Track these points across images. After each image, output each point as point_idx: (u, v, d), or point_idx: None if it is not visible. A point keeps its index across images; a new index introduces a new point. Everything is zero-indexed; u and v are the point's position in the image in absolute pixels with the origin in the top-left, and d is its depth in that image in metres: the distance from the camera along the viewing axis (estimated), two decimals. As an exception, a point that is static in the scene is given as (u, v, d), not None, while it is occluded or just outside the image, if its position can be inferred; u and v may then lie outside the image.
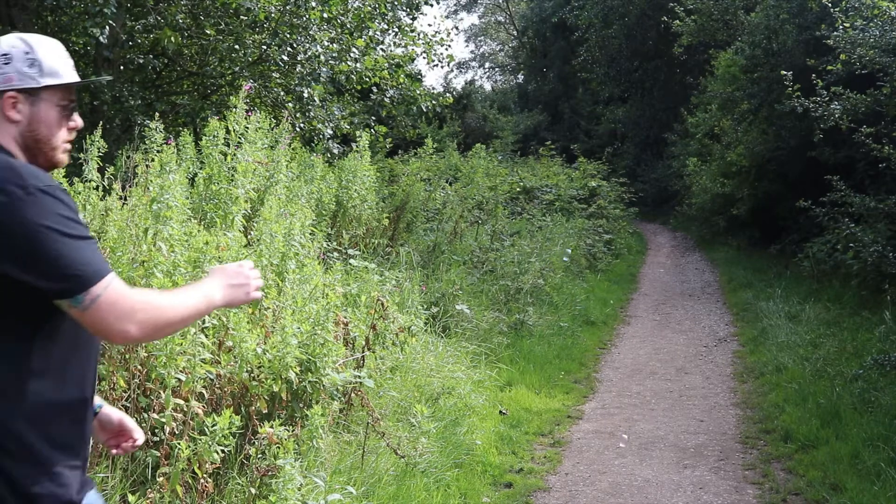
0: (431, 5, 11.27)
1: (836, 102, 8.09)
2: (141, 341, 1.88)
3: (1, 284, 1.53)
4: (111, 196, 3.90)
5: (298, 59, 8.31)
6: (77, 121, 1.82)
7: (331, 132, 8.90)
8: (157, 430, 3.05)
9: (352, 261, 6.27)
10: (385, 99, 10.29)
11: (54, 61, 1.76)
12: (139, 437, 1.94)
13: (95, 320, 1.58)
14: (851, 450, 4.61)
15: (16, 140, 1.73)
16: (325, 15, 8.44)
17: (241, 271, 1.87)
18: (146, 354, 3.14)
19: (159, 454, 3.00)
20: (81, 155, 4.21)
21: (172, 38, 7.46)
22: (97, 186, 4.04)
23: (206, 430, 2.89)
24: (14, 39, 1.74)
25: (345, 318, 4.47)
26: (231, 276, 1.85)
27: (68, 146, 1.83)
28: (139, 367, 3.13)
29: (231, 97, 6.13)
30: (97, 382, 2.03)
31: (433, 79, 77.91)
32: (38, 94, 1.75)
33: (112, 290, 1.59)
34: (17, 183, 1.57)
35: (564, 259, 10.77)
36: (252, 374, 3.51)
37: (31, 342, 1.60)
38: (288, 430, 3.10)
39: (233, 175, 4.67)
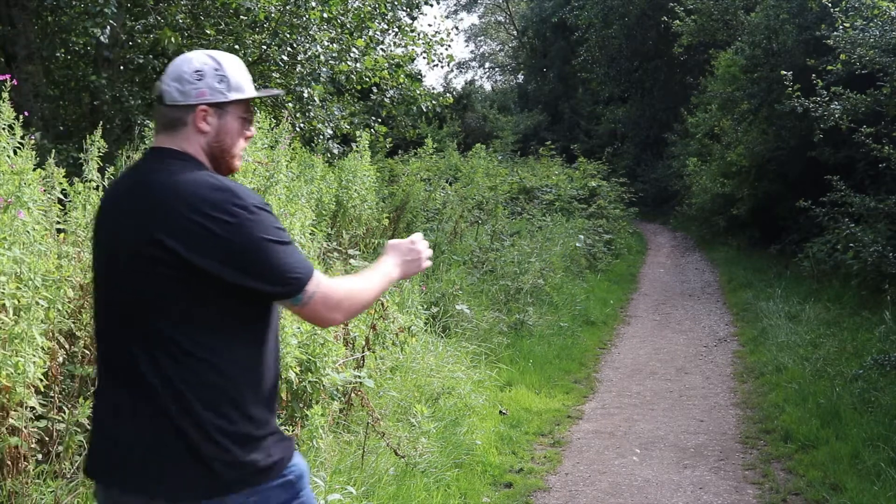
0: (431, 5, 11.28)
1: (836, 102, 8.09)
2: (342, 323, 2.27)
3: (228, 289, 1.74)
4: (111, 196, 3.89)
5: (298, 59, 8.32)
6: (252, 131, 2.03)
7: (331, 132, 8.90)
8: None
9: (352, 261, 6.28)
10: (385, 99, 10.29)
11: (240, 77, 1.94)
12: None
13: (311, 313, 1.85)
14: (851, 450, 4.61)
15: (203, 149, 1.90)
16: (325, 15, 8.45)
17: (413, 247, 2.11)
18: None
19: (159, 454, 2.99)
20: (81, 155, 4.21)
21: (172, 38, 7.46)
22: (97, 186, 4.04)
23: (207, 430, 2.88)
24: (204, 57, 1.90)
25: (345, 318, 4.47)
26: (404, 252, 2.11)
27: (242, 153, 2.05)
28: (139, 367, 3.13)
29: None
30: None
31: (433, 79, 77.96)
32: (225, 108, 1.92)
33: (322, 286, 1.85)
34: (240, 204, 1.75)
35: (578, 244, 10.84)
36: (252, 374, 3.51)
37: (244, 334, 1.81)
38: (288, 430, 3.10)
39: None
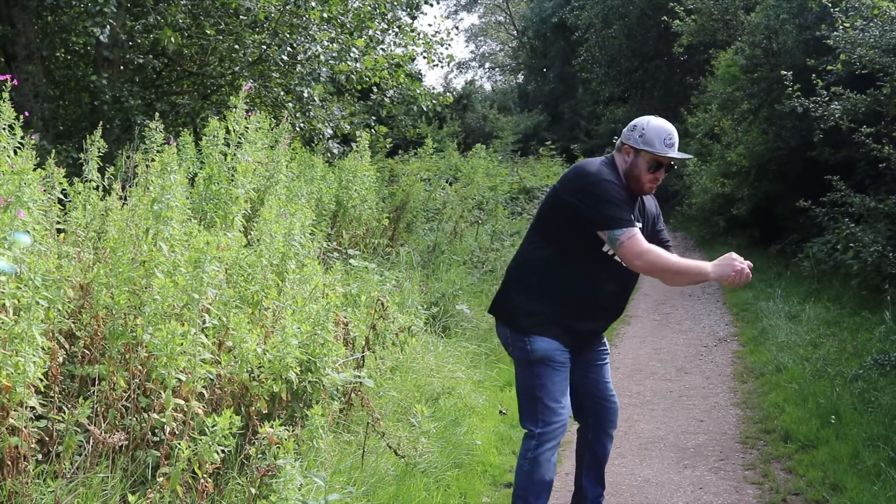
0: (431, 5, 11.28)
1: (836, 102, 8.09)
2: (644, 272, 3.17)
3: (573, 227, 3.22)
4: (111, 196, 3.90)
5: (298, 59, 8.32)
6: (659, 175, 3.25)
7: (331, 132, 8.90)
8: (157, 431, 3.05)
9: (352, 261, 6.28)
10: (385, 99, 10.30)
11: (653, 139, 3.20)
12: None
13: (623, 254, 3.13)
14: (851, 450, 4.61)
15: (622, 170, 3.27)
16: (325, 15, 8.45)
17: (729, 257, 3.07)
18: (146, 354, 3.14)
19: (159, 454, 3.00)
20: (81, 155, 4.21)
21: (172, 38, 7.46)
22: (97, 186, 4.04)
23: (207, 430, 2.89)
24: (643, 119, 3.29)
25: (345, 318, 4.47)
26: (722, 259, 3.08)
27: (653, 186, 3.28)
28: (139, 367, 3.14)
29: (231, 97, 6.13)
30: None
31: (433, 79, 77.90)
32: (638, 153, 3.23)
33: (633, 238, 3.09)
34: (582, 174, 3.24)
35: None
36: (252, 375, 3.51)
37: (565, 254, 3.29)
38: (288, 430, 3.10)
39: (233, 175, 4.67)
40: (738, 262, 2.96)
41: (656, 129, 3.19)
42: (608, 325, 3.53)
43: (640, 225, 3.26)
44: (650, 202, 3.46)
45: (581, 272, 3.28)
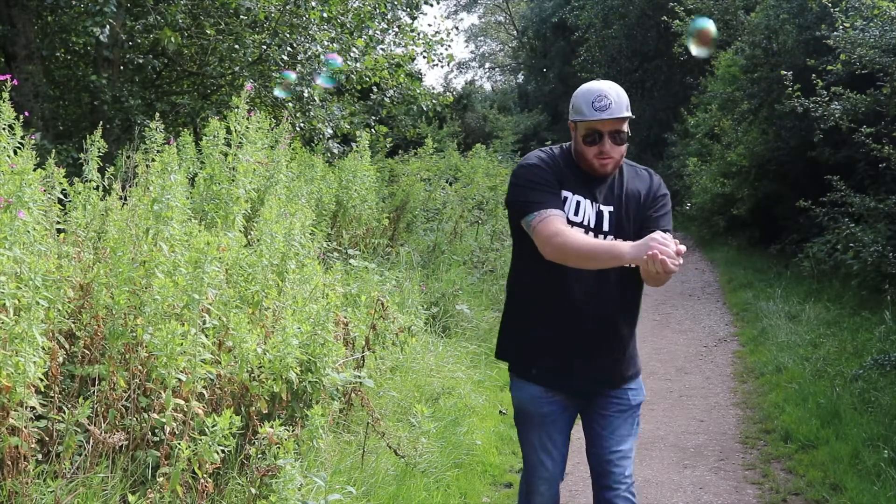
0: (431, 5, 11.28)
1: (836, 102, 8.08)
2: (557, 260, 2.62)
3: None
4: (111, 196, 3.90)
5: (298, 58, 8.31)
6: (604, 148, 2.68)
7: (331, 132, 8.90)
8: (157, 430, 3.05)
9: (352, 261, 6.28)
10: (385, 99, 10.29)
11: (580, 104, 2.69)
12: None
13: (536, 242, 2.64)
14: (851, 450, 4.61)
15: (573, 148, 2.78)
16: (325, 15, 8.45)
17: (649, 238, 2.39)
18: (146, 354, 3.14)
19: (159, 454, 3.00)
20: (81, 155, 4.21)
21: (172, 38, 7.46)
22: (97, 186, 4.04)
23: (207, 430, 2.89)
24: (582, 87, 2.74)
25: (345, 318, 4.47)
26: (643, 240, 2.42)
27: (604, 161, 2.70)
28: (139, 367, 3.14)
29: (231, 97, 6.13)
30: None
31: (433, 79, 77.83)
32: (577, 126, 2.72)
33: (544, 220, 2.61)
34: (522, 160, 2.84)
35: None
36: (252, 375, 3.51)
37: (521, 263, 2.87)
38: (288, 431, 3.10)
39: (233, 175, 4.67)
40: (657, 243, 2.35)
41: (584, 92, 2.69)
42: (605, 355, 2.80)
43: (594, 210, 2.71)
44: (638, 188, 2.80)
45: (540, 282, 2.76)
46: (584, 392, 2.84)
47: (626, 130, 2.70)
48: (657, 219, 2.76)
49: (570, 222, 2.67)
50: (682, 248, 2.36)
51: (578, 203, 2.71)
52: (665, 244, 2.34)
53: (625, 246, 2.47)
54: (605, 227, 2.72)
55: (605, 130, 2.66)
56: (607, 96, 2.64)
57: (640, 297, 2.87)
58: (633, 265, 2.52)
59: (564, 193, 2.71)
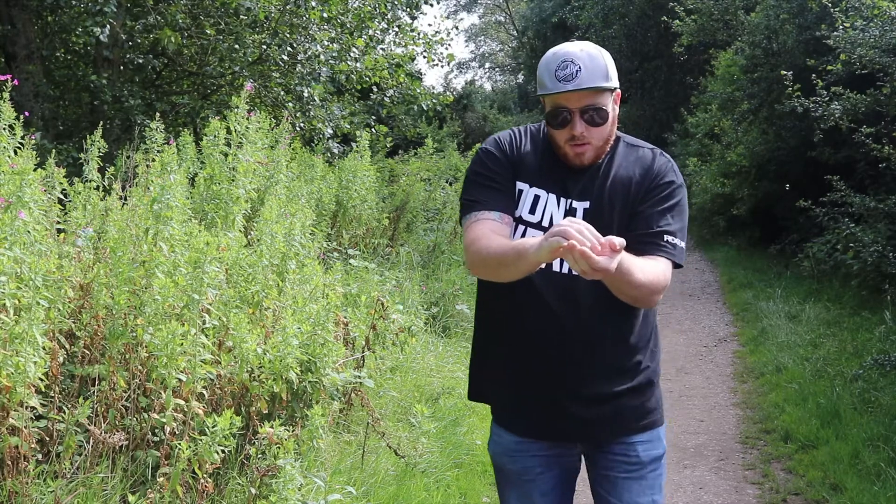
0: (431, 5, 11.27)
1: (836, 102, 8.09)
2: (475, 272, 2.13)
3: None
4: (111, 196, 3.90)
5: (298, 58, 8.31)
6: (576, 131, 2.02)
7: (331, 132, 8.90)
8: (157, 431, 3.05)
9: (352, 261, 6.28)
10: (385, 99, 10.29)
11: (542, 75, 2.03)
12: None
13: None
14: (851, 450, 4.61)
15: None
16: (325, 15, 8.45)
17: (562, 223, 1.76)
18: (147, 354, 3.14)
19: (159, 454, 3.00)
20: (81, 155, 4.21)
21: (172, 38, 7.46)
22: (97, 186, 4.04)
23: (207, 430, 2.89)
24: (548, 52, 2.07)
25: (345, 318, 4.47)
26: (553, 228, 1.79)
27: (578, 149, 2.05)
28: (139, 367, 3.14)
29: (231, 97, 6.13)
30: None
31: (433, 78, 77.88)
32: (542, 101, 2.08)
33: (471, 225, 2.06)
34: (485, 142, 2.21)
35: None
36: (252, 375, 3.51)
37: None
38: (288, 431, 3.10)
39: (233, 175, 4.67)
40: (571, 231, 1.70)
41: (546, 58, 2.03)
42: (594, 396, 2.12)
43: (563, 206, 2.08)
44: (631, 173, 2.10)
45: (502, 300, 2.15)
46: (573, 442, 2.20)
47: (605, 106, 2.02)
48: (650, 216, 2.03)
49: (524, 223, 2.08)
50: (619, 240, 1.70)
51: (537, 198, 2.08)
52: (581, 231, 1.69)
53: (530, 241, 1.86)
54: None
55: (575, 107, 1.99)
56: (574, 61, 1.97)
57: (647, 317, 2.19)
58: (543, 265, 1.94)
59: (519, 186, 2.10)
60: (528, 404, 2.16)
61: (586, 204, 2.07)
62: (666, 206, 2.05)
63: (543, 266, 1.98)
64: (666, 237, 2.03)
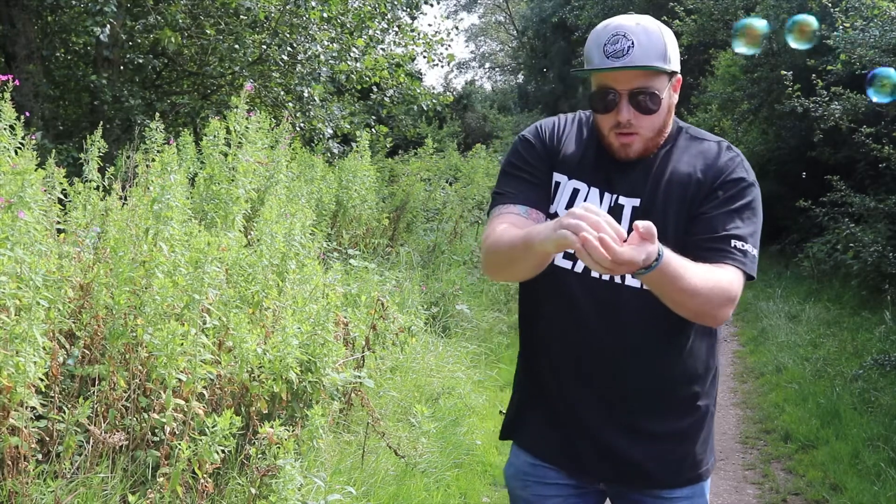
0: (431, 5, 11.27)
1: (836, 102, 8.09)
2: (489, 276, 1.95)
3: None
4: (111, 196, 3.90)
5: (298, 58, 8.31)
6: (621, 116, 1.74)
7: (331, 132, 8.90)
8: (157, 431, 3.05)
9: (352, 261, 6.28)
10: (385, 99, 10.29)
11: (591, 50, 1.76)
12: None
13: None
14: (851, 450, 4.61)
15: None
16: (325, 15, 8.45)
17: (572, 210, 1.48)
18: (147, 354, 3.14)
19: (159, 454, 3.00)
20: (82, 155, 4.21)
21: (172, 38, 7.47)
22: (97, 186, 4.04)
23: (207, 430, 2.89)
24: (599, 25, 1.80)
25: (345, 318, 4.47)
26: (564, 217, 1.50)
27: (624, 139, 1.76)
28: (139, 367, 3.14)
29: (231, 97, 6.14)
30: None
31: (433, 78, 77.89)
32: (589, 78, 1.81)
33: (492, 220, 1.82)
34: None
35: None
36: (252, 375, 3.51)
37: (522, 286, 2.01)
38: (288, 431, 3.10)
39: (233, 175, 4.67)
40: (585, 218, 1.43)
41: (597, 31, 1.77)
42: (628, 433, 1.81)
43: (608, 202, 1.79)
44: (691, 169, 1.79)
45: (532, 309, 1.93)
46: (594, 479, 1.89)
47: (659, 91, 1.72)
48: (715, 219, 1.72)
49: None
50: (647, 223, 1.46)
51: (576, 192, 1.82)
52: (597, 222, 1.42)
53: (540, 227, 1.59)
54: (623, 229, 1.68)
55: (623, 89, 1.72)
56: (627, 35, 1.70)
57: (707, 338, 1.84)
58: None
59: (557, 177, 1.84)
60: (545, 421, 1.88)
61: (636, 201, 1.78)
62: (734, 208, 1.74)
63: (580, 271, 1.78)
64: (733, 242, 1.70)
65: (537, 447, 1.90)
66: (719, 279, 1.65)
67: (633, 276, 1.56)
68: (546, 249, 1.55)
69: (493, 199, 1.87)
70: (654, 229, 1.46)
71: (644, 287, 1.71)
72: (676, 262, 1.56)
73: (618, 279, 1.75)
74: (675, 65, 1.76)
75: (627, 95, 1.72)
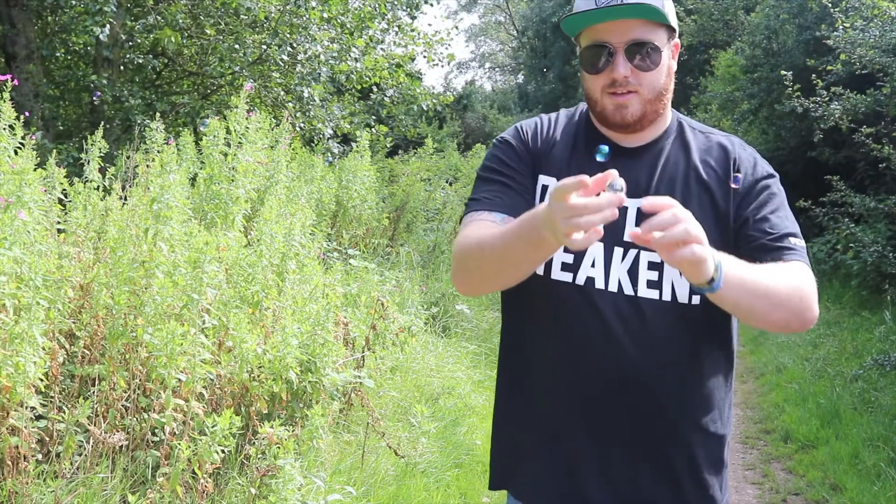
0: (431, 5, 11.26)
1: (836, 102, 8.10)
2: (461, 289, 1.63)
3: None
4: (111, 196, 3.90)
5: (298, 58, 8.31)
6: (617, 72, 1.49)
7: (331, 132, 8.90)
8: (157, 431, 3.05)
9: (352, 261, 6.27)
10: (385, 99, 10.29)
11: None
12: None
13: None
14: (851, 450, 4.61)
15: (587, 96, 1.60)
16: (325, 15, 8.44)
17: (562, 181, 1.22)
18: (146, 354, 3.14)
19: (159, 454, 3.00)
20: (82, 155, 4.21)
21: (172, 38, 7.47)
22: (98, 186, 4.04)
23: (207, 430, 2.89)
24: None
25: (345, 318, 4.47)
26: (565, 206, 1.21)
27: (620, 98, 1.50)
28: (139, 367, 3.14)
29: (231, 97, 6.14)
30: None
31: (433, 78, 77.94)
32: (577, 43, 1.58)
33: (465, 227, 1.55)
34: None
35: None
36: (252, 375, 3.51)
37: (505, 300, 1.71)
38: (288, 431, 3.10)
39: (233, 175, 4.67)
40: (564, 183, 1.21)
41: None
42: (633, 463, 1.56)
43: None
44: (711, 169, 1.58)
45: (533, 329, 1.63)
46: None
47: (658, 44, 1.50)
48: (765, 220, 1.57)
49: None
50: (654, 199, 1.25)
51: None
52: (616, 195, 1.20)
53: (533, 212, 1.34)
54: (626, 235, 1.51)
55: (618, 42, 1.48)
56: None
57: (729, 358, 1.63)
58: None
59: (543, 180, 1.58)
60: (549, 468, 1.62)
61: (641, 202, 1.33)
62: (777, 206, 1.61)
63: (582, 283, 1.51)
64: (791, 240, 1.53)
65: (516, 485, 1.72)
66: (798, 276, 1.45)
67: (698, 290, 1.31)
68: (544, 236, 1.29)
69: (466, 207, 1.60)
70: (670, 200, 1.23)
71: (663, 297, 1.49)
72: (748, 268, 1.36)
73: (630, 290, 1.49)
74: (673, 19, 1.54)
75: (624, 49, 1.48)
